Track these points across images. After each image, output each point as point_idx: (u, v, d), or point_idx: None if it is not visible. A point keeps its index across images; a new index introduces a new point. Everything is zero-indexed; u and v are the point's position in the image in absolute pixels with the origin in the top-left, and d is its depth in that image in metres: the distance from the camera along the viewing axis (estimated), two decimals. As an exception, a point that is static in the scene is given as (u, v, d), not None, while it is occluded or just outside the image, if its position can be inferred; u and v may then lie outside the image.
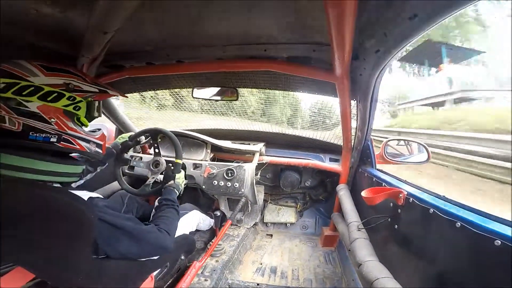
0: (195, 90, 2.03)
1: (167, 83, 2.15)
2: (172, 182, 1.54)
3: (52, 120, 0.83)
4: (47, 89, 0.82)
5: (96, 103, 1.01)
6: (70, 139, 0.89)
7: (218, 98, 2.06)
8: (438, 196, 1.09)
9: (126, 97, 1.24)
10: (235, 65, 1.53)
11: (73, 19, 1.07)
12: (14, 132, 0.77)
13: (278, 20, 1.11)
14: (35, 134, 0.80)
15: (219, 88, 2.02)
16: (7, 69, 0.79)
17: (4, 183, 0.73)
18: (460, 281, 0.85)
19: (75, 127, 0.90)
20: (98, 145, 1.01)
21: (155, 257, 1.12)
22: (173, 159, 1.61)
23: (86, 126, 0.96)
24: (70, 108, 0.89)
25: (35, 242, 0.72)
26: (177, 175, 1.58)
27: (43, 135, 0.82)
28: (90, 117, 0.98)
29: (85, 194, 0.86)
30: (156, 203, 1.38)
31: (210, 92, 2.05)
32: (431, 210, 1.00)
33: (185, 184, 1.70)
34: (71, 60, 1.36)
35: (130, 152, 2.28)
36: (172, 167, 1.61)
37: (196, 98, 2.08)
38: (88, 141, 0.95)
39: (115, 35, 1.05)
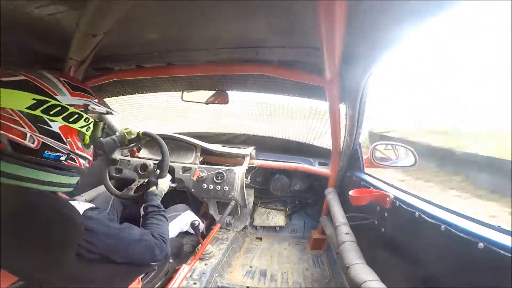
0: (185, 93, 2.02)
1: (156, 86, 2.13)
2: (154, 188, 1.49)
3: (68, 140, 0.85)
4: (71, 110, 0.85)
5: (101, 124, 1.03)
6: (75, 157, 0.91)
7: (209, 101, 2.05)
8: (424, 200, 1.12)
9: (123, 118, 1.21)
10: (226, 68, 1.53)
11: (62, 21, 1.06)
12: (31, 148, 0.77)
13: (270, 24, 1.11)
14: (49, 153, 0.81)
15: (209, 91, 2.01)
16: (36, 83, 0.79)
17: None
18: (445, 283, 0.87)
19: (82, 147, 0.93)
20: (89, 161, 1.01)
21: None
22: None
23: (86, 143, 0.96)
24: (84, 130, 0.91)
25: (20, 245, 0.71)
26: (160, 181, 1.54)
27: (56, 154, 0.83)
28: (93, 137, 0.99)
29: (81, 207, 0.85)
30: (142, 211, 1.35)
31: (200, 95, 2.04)
32: (417, 213, 1.02)
33: (171, 188, 1.66)
34: (59, 63, 1.34)
35: (118, 156, 2.25)
36: (158, 172, 1.57)
37: (185, 101, 2.07)
38: (85, 158, 0.96)
39: (104, 37, 1.04)
